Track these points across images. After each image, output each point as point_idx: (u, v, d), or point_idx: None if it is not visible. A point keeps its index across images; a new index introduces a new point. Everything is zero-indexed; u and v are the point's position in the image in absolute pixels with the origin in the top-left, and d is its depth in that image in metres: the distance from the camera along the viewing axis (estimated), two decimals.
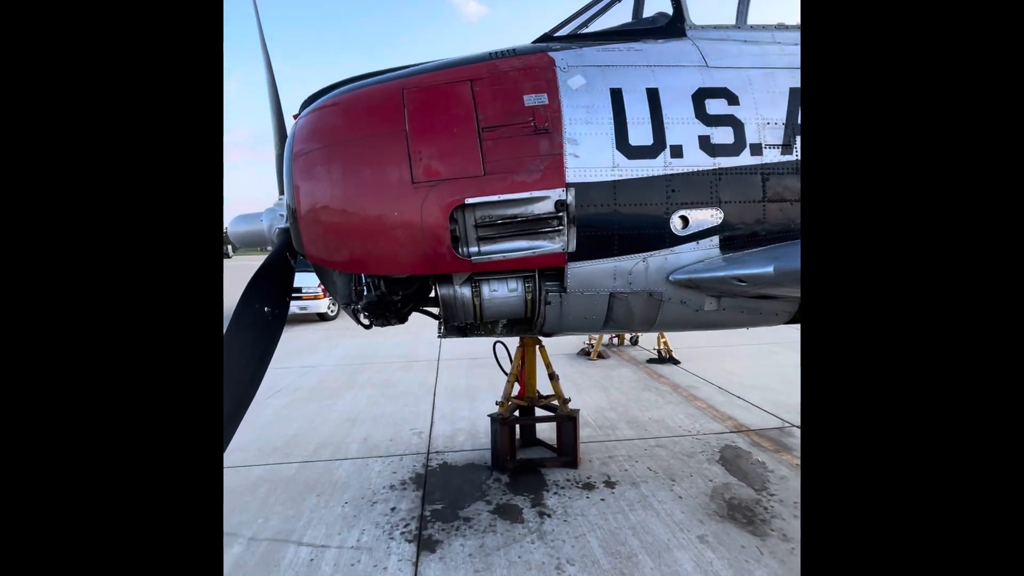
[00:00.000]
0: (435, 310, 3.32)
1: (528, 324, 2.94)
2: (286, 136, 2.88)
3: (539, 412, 4.21)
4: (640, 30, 2.95)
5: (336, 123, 2.54)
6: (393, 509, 3.36)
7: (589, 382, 6.24)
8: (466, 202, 2.45)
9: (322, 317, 11.65)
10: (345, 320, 11.62)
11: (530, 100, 2.55)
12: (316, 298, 11.25)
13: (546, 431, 4.41)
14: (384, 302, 2.81)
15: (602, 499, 3.44)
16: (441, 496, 3.52)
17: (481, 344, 7.51)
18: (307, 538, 3.06)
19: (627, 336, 8.45)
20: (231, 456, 4.20)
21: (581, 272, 2.59)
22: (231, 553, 2.92)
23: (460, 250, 2.51)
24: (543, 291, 2.65)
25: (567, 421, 3.95)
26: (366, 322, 3.12)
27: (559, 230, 2.52)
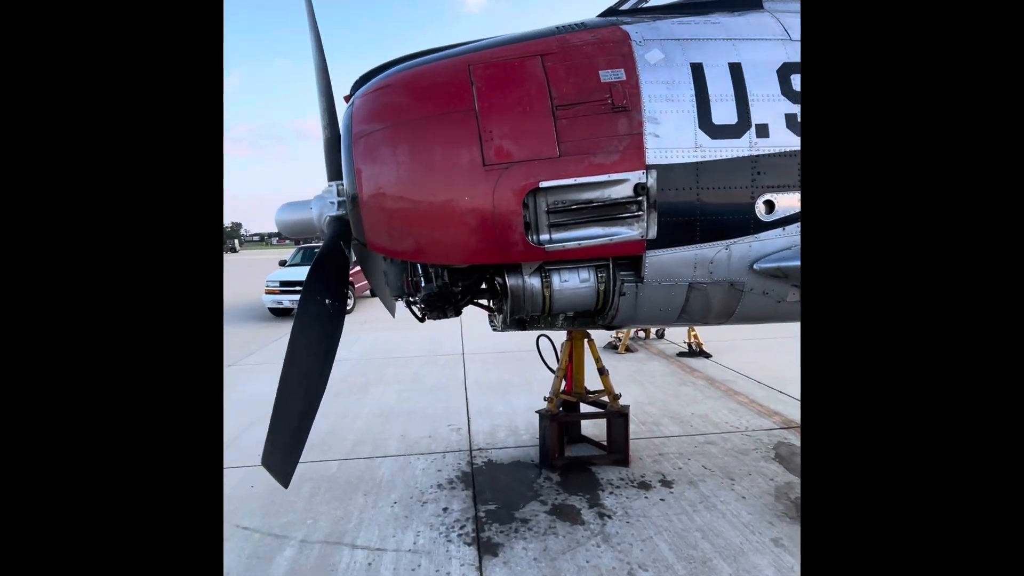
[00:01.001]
0: (486, 301, 3.17)
1: (596, 317, 2.78)
2: (335, 119, 2.73)
3: (583, 408, 4.07)
4: (711, 2, 2.77)
5: (400, 101, 2.37)
6: (445, 510, 3.23)
7: (622, 376, 6.08)
8: (540, 186, 2.29)
9: None
10: (363, 313, 11.50)
11: (606, 76, 2.37)
12: None
13: (589, 427, 4.27)
14: (445, 294, 2.66)
15: (661, 499, 3.30)
16: (493, 496, 3.38)
17: (507, 338, 7.40)
18: (361, 540, 2.92)
19: (652, 329, 8.29)
20: None
21: (660, 261, 2.42)
22: (283, 557, 2.80)
23: (531, 237, 2.35)
24: (618, 281, 2.49)
25: (618, 417, 3.80)
26: (420, 315, 2.97)
27: (638, 215, 2.36)
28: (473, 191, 2.26)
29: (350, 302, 11.78)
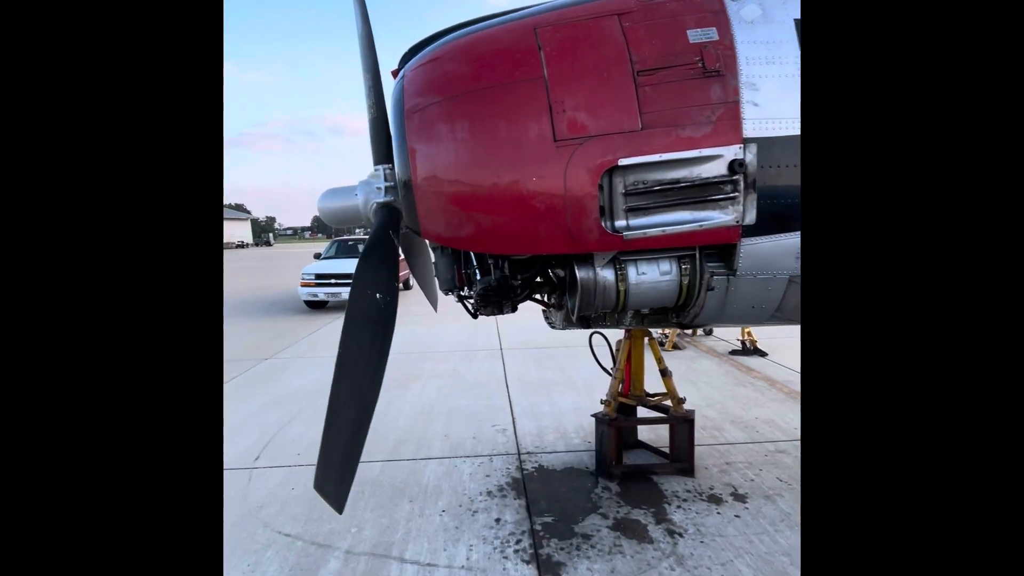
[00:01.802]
0: (544, 296, 2.90)
1: (674, 314, 2.47)
2: (382, 97, 2.48)
3: (640, 411, 3.76)
4: None
5: (458, 71, 2.10)
6: (498, 521, 2.99)
7: (674, 375, 5.72)
8: (619, 163, 1.99)
9: None
10: None
11: (695, 36, 2.05)
12: None
13: (645, 431, 3.97)
14: (504, 287, 2.39)
15: (736, 516, 2.97)
16: (548, 506, 3.12)
17: (547, 334, 7.09)
18: (409, 554, 2.71)
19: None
20: (310, 453, 3.93)
21: (757, 250, 2.09)
22: (328, 569, 2.61)
23: (605, 224, 2.05)
24: (705, 274, 2.17)
25: (682, 423, 3.48)
26: (474, 311, 2.72)
27: (733, 197, 2.03)
28: (542, 170, 1.98)
29: None
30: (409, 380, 5.91)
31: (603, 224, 2.02)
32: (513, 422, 4.53)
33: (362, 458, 3.85)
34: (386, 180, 2.52)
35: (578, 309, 2.29)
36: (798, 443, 3.95)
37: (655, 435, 3.96)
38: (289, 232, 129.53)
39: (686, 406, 3.53)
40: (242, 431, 4.41)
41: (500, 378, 5.89)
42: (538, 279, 2.57)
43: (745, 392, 5.18)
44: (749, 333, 6.72)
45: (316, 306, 11.37)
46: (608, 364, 4.01)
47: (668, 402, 3.56)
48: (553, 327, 2.75)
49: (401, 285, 13.73)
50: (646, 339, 3.62)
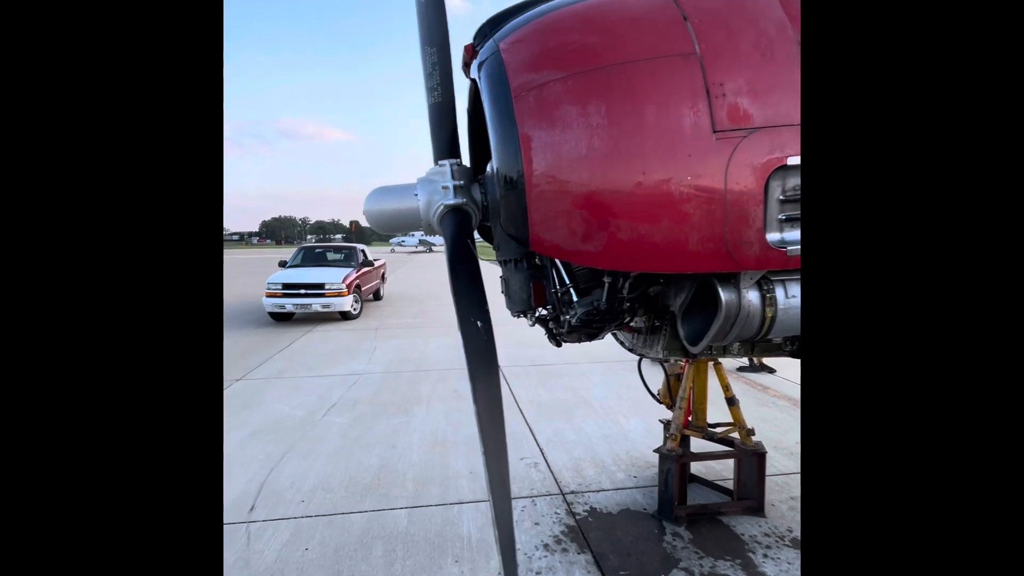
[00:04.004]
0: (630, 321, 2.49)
1: (790, 342, 2.12)
2: (450, 78, 2.03)
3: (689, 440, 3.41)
4: None
5: (586, 42, 1.67)
6: None
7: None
8: (787, 162, 1.62)
9: (344, 316, 10.68)
10: (370, 319, 10.69)
11: None
12: (339, 295, 10.29)
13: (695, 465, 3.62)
14: (614, 310, 1.97)
15: None
16: (620, 562, 2.69)
17: (546, 351, 6.70)
18: None
19: None
20: (318, 499, 3.32)
21: None
22: None
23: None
24: None
25: (751, 457, 3.15)
26: (557, 338, 2.28)
27: None
28: (699, 168, 1.58)
29: (357, 307, 10.96)
30: (409, 404, 5.33)
31: (766, 237, 1.64)
32: (542, 454, 4.08)
33: (381, 506, 3.30)
34: (454, 178, 2.06)
35: (711, 338, 1.89)
36: None
37: (704, 467, 3.62)
38: (236, 238, 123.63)
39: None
40: (227, 473, 3.72)
41: (510, 401, 5.42)
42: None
43: (772, 413, 4.96)
44: None
45: (282, 318, 10.49)
46: (655, 390, 3.65)
47: (735, 434, 3.22)
48: (658, 358, 2.33)
49: (372, 296, 13.00)
50: (711, 364, 3.28)
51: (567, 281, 2.05)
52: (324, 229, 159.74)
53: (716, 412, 3.53)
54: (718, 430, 3.31)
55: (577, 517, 3.14)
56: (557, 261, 2.10)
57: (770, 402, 5.30)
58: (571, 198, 1.62)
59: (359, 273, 11.35)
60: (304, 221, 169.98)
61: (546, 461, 3.94)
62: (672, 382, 3.46)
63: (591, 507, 3.26)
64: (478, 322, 1.67)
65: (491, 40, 1.90)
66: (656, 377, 3.73)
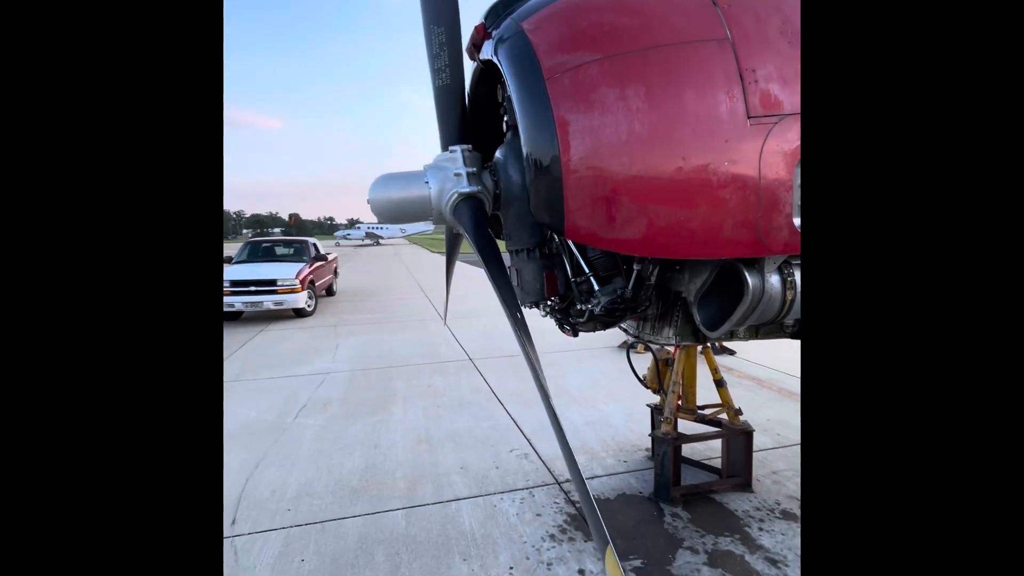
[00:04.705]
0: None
1: (794, 324, 2.20)
2: (460, 59, 1.95)
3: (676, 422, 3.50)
4: None
5: (620, 23, 1.64)
6: (582, 572, 2.53)
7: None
8: None
9: (299, 313, 10.19)
10: (327, 316, 10.27)
11: None
12: (293, 291, 9.81)
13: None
14: (638, 298, 1.96)
15: None
16: (626, 546, 2.73)
17: (511, 340, 6.71)
18: None
19: None
20: (303, 507, 3.15)
21: None
22: None
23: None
24: None
25: (738, 436, 3.27)
26: (572, 328, 2.25)
27: None
28: (735, 154, 1.59)
29: (311, 303, 10.49)
30: (385, 402, 5.17)
31: (793, 222, 1.68)
32: (530, 444, 4.07)
33: (375, 508, 3.18)
34: (466, 165, 1.99)
35: (734, 322, 1.93)
36: None
37: (688, 448, 3.74)
38: None
39: None
40: None
41: (488, 393, 5.37)
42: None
43: (740, 393, 5.18)
44: None
45: (229, 318, 9.87)
46: (641, 375, 3.73)
47: (723, 415, 3.34)
48: (672, 343, 2.34)
49: (324, 291, 12.48)
50: (699, 348, 3.37)
51: (586, 270, 2.03)
52: (262, 223, 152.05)
53: (700, 394, 3.64)
54: (707, 412, 3.42)
55: (577, 505, 3.15)
56: (573, 249, 2.06)
57: (736, 382, 5.55)
58: (611, 184, 1.59)
59: (312, 268, 10.86)
60: (239, 215, 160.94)
61: (536, 451, 3.93)
62: (661, 367, 3.54)
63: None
64: (518, 313, 1.62)
65: (509, 20, 1.83)
66: (640, 363, 3.80)
